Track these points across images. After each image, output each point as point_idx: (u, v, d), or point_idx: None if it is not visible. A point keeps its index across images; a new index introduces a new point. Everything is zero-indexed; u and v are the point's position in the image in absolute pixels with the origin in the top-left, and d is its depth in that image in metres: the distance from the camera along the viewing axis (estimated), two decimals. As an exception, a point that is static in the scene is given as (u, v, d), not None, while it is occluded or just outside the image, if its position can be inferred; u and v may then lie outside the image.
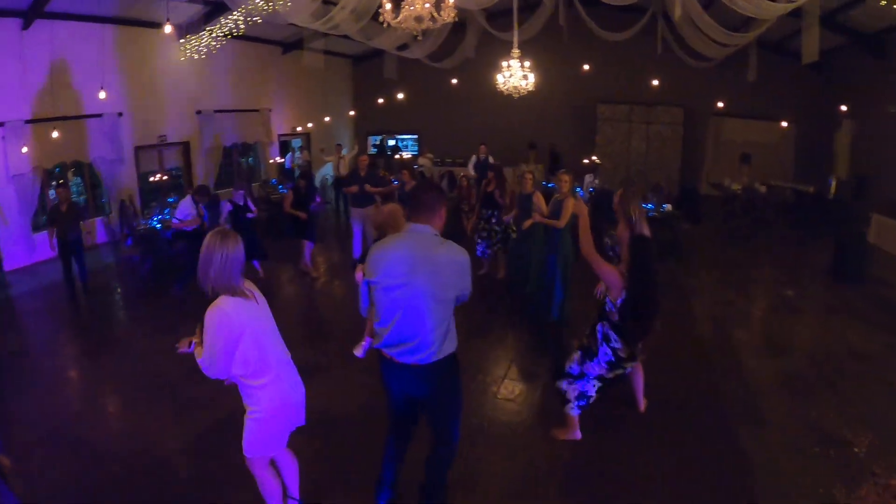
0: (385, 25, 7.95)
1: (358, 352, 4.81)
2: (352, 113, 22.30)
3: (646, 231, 4.68)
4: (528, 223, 8.88)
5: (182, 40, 14.64)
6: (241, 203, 10.39)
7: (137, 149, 15.15)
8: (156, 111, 15.39)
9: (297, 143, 21.33)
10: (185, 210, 10.22)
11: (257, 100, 18.73)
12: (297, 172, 18.31)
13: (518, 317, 9.02)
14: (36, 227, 12.85)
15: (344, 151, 18.28)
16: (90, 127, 13.74)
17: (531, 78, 13.02)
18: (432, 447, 4.01)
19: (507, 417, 5.91)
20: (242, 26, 13.21)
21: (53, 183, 13.61)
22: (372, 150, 23.05)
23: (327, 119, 20.95)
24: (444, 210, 3.76)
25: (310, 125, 20.70)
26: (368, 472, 4.39)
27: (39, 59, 12.41)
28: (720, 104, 17.78)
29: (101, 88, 12.84)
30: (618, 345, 4.77)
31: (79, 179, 14.61)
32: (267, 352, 3.49)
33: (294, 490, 4.06)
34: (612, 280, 4.62)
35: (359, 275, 5.11)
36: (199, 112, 16.52)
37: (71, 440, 5.65)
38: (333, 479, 4.86)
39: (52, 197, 13.62)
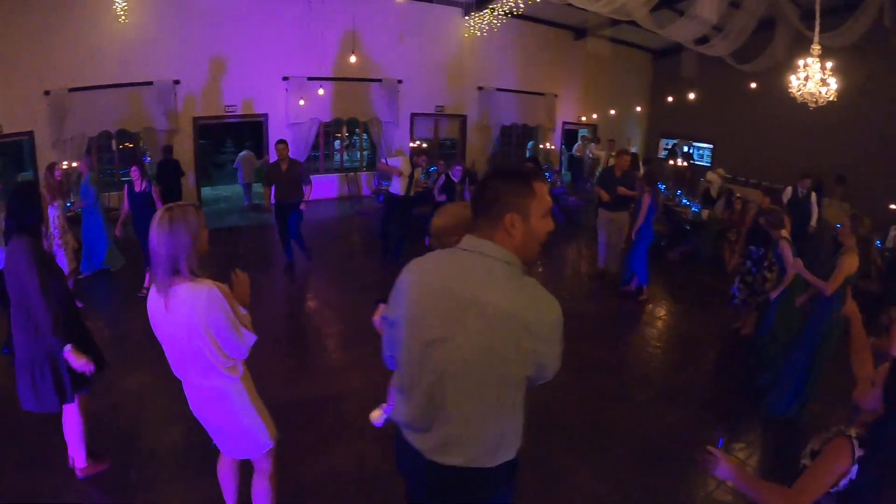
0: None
1: (375, 419, 3.42)
2: (638, 109, 20.63)
3: None
4: (800, 301, 5.96)
5: (467, 17, 14.98)
6: (457, 179, 9.89)
7: (414, 115, 15.79)
8: (435, 82, 15.81)
9: (583, 132, 20.46)
10: (396, 161, 9.96)
11: (543, 83, 18.02)
12: (585, 163, 17.69)
13: (744, 396, 6.06)
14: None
15: (634, 149, 17.00)
16: (370, 89, 14.84)
17: (833, 84, 10.17)
18: None
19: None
20: (522, 5, 12.94)
21: (338, 135, 15.07)
22: (663, 154, 21.43)
23: (612, 112, 19.70)
24: (523, 218, 2.07)
25: (594, 116, 19.68)
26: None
27: (326, 24, 13.70)
28: None
29: (352, 53, 13.68)
30: None
31: (358, 136, 15.81)
32: (169, 358, 2.98)
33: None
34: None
35: (375, 319, 3.23)
36: (480, 88, 16.56)
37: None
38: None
39: (336, 147, 15.08)
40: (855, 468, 2.16)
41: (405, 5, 14.25)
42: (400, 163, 9.69)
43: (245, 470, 3.47)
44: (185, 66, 13.06)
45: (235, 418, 3.04)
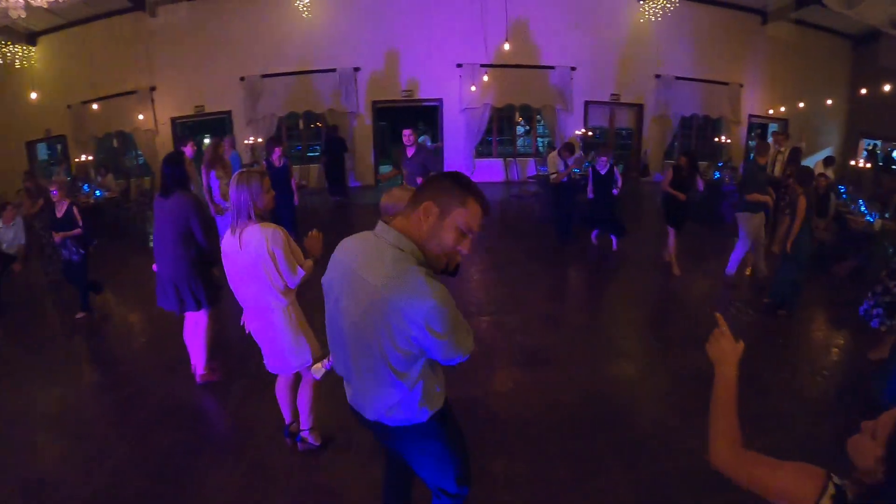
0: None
1: (315, 371, 3.54)
2: (829, 102, 18.39)
3: None
4: None
5: (641, 1, 14.40)
6: (603, 172, 9.19)
7: (588, 103, 15.37)
8: (610, 69, 15.31)
9: (773, 127, 18.87)
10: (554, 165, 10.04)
11: (727, 72, 16.61)
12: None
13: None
14: (478, 154, 15.23)
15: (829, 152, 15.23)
16: (542, 76, 14.77)
17: None
18: None
19: None
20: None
21: (520, 120, 15.32)
22: (863, 156, 19.29)
23: (801, 105, 17.17)
24: (440, 213, 2.14)
25: (782, 109, 17.88)
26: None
27: (498, 12, 13.86)
28: None
29: (507, 41, 13.64)
30: None
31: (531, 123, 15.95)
32: (233, 286, 3.84)
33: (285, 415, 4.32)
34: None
35: None
36: (657, 76, 15.72)
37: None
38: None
39: (519, 133, 15.83)
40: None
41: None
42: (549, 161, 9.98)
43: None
44: (364, 54, 14.19)
45: (281, 334, 3.81)
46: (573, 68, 14.79)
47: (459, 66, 14.20)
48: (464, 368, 3.81)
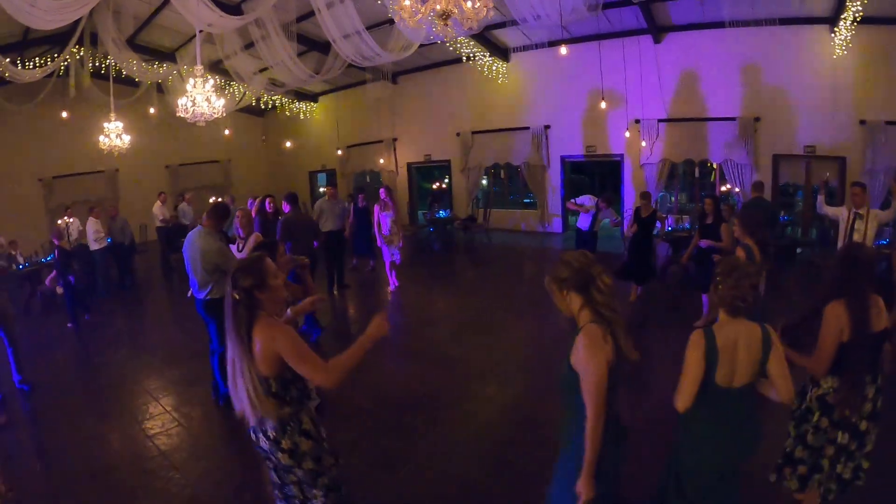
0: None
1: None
2: None
3: None
4: None
5: (832, 33, 12.79)
6: (644, 216, 10.09)
7: (778, 157, 14.50)
8: (802, 117, 14.00)
9: None
10: (584, 199, 11.08)
11: None
12: None
13: None
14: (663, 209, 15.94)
15: None
16: (720, 129, 14.61)
17: None
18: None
19: None
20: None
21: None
22: None
23: None
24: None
25: None
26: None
27: (671, 67, 14.85)
28: None
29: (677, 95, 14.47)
30: None
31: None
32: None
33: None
34: None
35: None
36: (862, 122, 13.59)
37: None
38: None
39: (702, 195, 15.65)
40: None
41: (751, 31, 13.00)
42: (587, 201, 10.87)
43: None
44: (553, 113, 16.66)
45: None
46: (757, 119, 14.23)
47: (637, 121, 15.06)
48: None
